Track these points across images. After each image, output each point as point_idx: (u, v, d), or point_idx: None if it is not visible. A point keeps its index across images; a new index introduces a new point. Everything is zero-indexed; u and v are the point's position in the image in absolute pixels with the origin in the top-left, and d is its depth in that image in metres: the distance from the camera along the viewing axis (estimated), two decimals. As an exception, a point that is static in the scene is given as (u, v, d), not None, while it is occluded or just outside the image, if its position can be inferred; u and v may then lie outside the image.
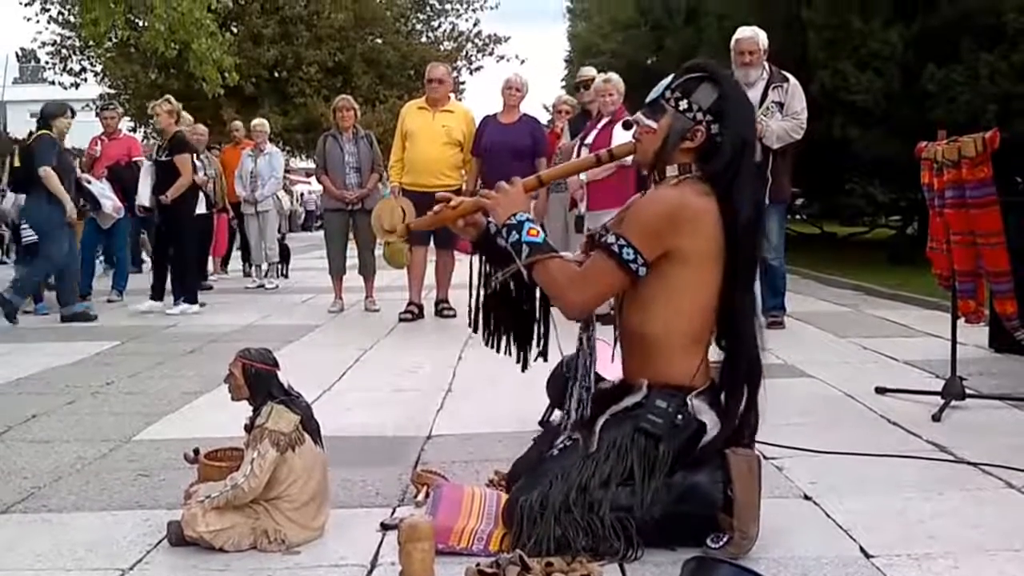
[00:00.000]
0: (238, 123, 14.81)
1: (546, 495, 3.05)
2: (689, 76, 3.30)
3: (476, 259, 3.58)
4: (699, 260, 3.18)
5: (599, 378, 3.43)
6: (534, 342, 3.53)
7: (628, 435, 3.13)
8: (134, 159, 11.47)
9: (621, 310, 3.39)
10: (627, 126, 3.58)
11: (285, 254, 14.61)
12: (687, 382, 3.22)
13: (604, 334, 3.51)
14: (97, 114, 11.97)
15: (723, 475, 3.08)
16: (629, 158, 3.63)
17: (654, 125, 3.29)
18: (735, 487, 3.03)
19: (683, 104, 3.25)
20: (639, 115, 3.42)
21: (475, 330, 3.60)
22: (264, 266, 13.02)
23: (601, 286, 3.24)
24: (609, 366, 3.54)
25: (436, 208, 3.53)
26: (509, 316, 3.54)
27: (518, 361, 3.57)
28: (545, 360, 3.54)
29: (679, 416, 3.16)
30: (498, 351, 3.59)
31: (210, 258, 14.15)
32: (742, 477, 3.03)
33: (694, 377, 3.24)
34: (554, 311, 3.49)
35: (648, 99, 3.43)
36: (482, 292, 3.54)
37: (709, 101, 3.23)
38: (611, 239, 3.20)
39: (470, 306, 3.58)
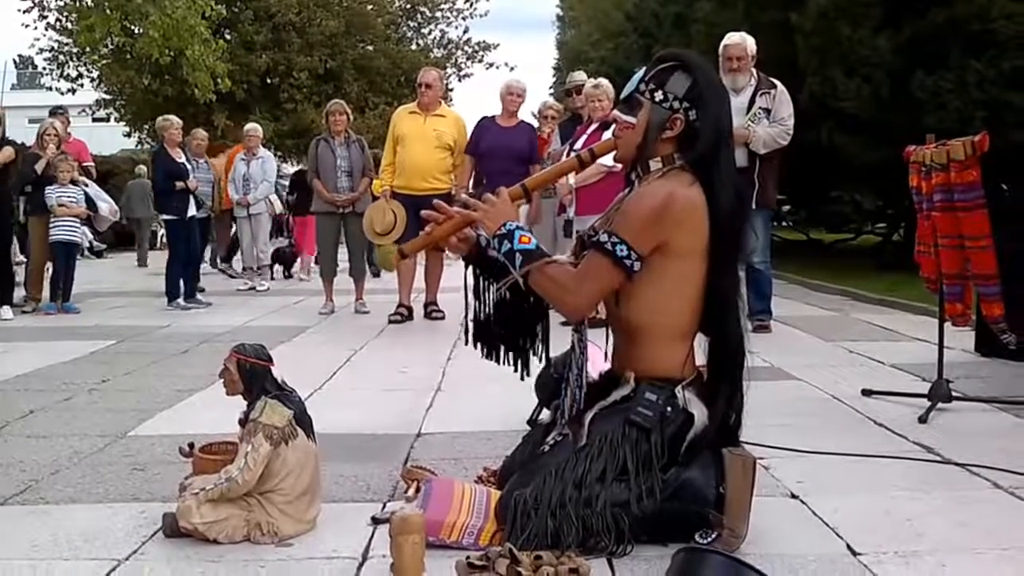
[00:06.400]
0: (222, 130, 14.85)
1: (540, 490, 3.07)
2: (661, 67, 3.31)
3: (469, 273, 3.58)
4: (688, 252, 3.22)
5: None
6: (532, 349, 3.57)
7: (619, 428, 3.16)
8: (84, 163, 11.44)
9: (615, 302, 3.39)
10: (606, 126, 3.60)
11: (285, 258, 14.66)
12: (675, 374, 3.26)
13: (595, 337, 3.53)
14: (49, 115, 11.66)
15: (717, 472, 3.12)
16: (619, 165, 3.64)
17: (633, 120, 3.31)
18: (728, 485, 3.06)
19: (659, 95, 3.27)
20: (616, 112, 3.44)
21: (473, 346, 3.61)
22: (257, 268, 13.02)
23: (598, 285, 3.25)
24: (600, 367, 3.57)
25: (427, 228, 3.51)
26: (507, 326, 3.55)
27: (517, 370, 3.60)
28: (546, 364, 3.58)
29: (668, 408, 3.19)
30: (497, 363, 3.60)
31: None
32: (736, 476, 3.06)
33: (682, 368, 3.28)
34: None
35: (623, 95, 3.46)
36: (477, 306, 3.55)
37: (683, 88, 3.25)
38: (603, 237, 3.22)
39: (465, 323, 3.60)
